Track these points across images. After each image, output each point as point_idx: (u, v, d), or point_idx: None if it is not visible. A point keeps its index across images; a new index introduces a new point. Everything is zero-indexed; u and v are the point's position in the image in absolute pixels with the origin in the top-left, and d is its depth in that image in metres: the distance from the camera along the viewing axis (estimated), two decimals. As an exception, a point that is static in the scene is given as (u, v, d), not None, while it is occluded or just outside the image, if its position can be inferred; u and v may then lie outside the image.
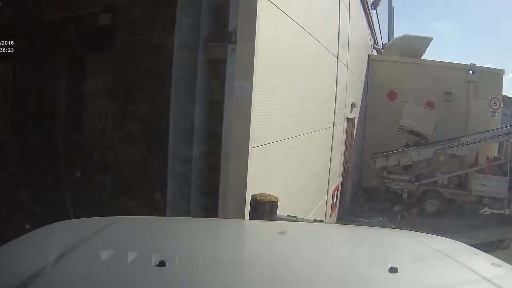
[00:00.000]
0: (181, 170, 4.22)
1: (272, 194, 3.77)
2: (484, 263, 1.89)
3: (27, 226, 2.09)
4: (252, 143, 4.01)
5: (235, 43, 3.94)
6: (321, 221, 4.97)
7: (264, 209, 3.64)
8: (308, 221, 4.40)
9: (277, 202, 3.71)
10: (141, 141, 4.88)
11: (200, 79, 4.17)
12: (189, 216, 4.15)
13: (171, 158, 4.24)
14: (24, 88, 5.93)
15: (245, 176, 3.96)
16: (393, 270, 1.56)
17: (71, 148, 5.43)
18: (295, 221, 4.11)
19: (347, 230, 2.96)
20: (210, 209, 4.08)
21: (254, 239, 2.27)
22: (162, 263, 1.50)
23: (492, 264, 1.83)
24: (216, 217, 4.02)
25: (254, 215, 3.66)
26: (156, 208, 4.22)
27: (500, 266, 1.80)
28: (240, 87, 3.91)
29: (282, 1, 4.52)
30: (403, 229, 3.96)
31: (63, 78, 6.05)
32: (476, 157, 13.72)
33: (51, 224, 2.07)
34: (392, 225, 3.96)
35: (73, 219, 2.55)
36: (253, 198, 3.72)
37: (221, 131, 4.01)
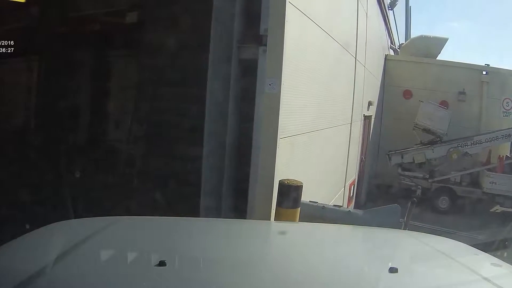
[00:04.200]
0: (215, 160, 4.68)
1: (297, 180, 4.25)
2: (484, 263, 1.90)
3: (27, 226, 2.13)
4: (280, 135, 4.43)
5: (266, 45, 4.35)
6: (340, 206, 5.41)
7: (290, 192, 4.11)
8: (328, 206, 4.81)
9: (301, 186, 4.18)
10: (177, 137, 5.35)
11: (234, 77, 4.59)
12: (222, 198, 4.59)
13: (206, 148, 4.70)
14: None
15: (274, 162, 4.36)
16: (393, 270, 1.57)
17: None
18: (317, 206, 4.58)
19: (347, 230, 2.96)
20: (242, 193, 4.53)
21: (254, 239, 2.26)
22: (162, 263, 1.51)
23: (492, 264, 1.85)
24: (247, 200, 4.45)
25: (281, 198, 4.14)
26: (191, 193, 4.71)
27: (500, 266, 1.82)
28: (270, 84, 4.32)
29: (307, 7, 4.95)
30: (404, 221, 4.31)
31: (96, 76, 6.57)
32: (488, 156, 13.89)
33: (51, 224, 2.08)
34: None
35: (73, 219, 2.59)
36: (281, 183, 4.20)
37: (253, 124, 4.42)
